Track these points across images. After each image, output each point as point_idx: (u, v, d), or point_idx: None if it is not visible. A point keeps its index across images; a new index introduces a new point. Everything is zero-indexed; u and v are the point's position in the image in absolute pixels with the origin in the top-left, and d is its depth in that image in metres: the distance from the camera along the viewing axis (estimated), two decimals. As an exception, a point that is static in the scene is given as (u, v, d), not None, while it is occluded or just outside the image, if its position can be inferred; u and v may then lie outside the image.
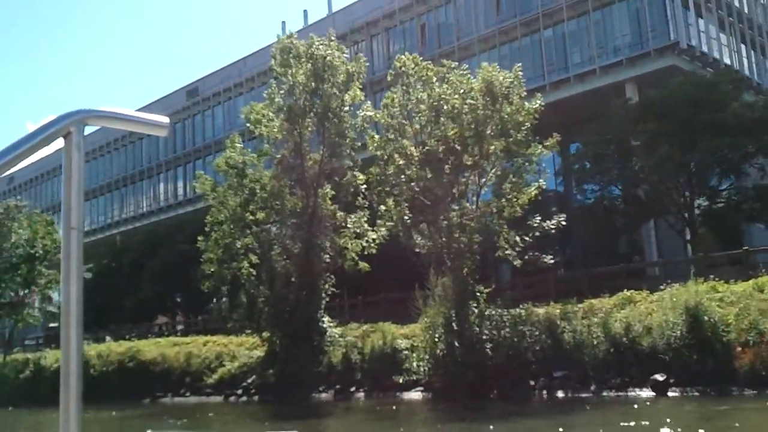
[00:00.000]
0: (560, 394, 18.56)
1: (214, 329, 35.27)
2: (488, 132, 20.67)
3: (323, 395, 23.55)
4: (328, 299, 26.51)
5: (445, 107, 20.75)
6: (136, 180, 63.87)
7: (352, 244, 26.48)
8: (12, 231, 39.81)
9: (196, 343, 31.45)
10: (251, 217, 27.79)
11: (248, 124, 27.60)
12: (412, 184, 21.95)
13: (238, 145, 28.19)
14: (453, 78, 21.04)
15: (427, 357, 20.23)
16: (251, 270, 28.22)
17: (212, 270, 28.07)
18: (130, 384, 30.40)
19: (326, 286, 26.56)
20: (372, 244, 26.92)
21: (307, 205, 27.04)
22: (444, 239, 21.30)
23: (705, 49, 36.68)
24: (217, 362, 28.81)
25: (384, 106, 22.24)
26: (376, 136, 22.77)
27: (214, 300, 42.21)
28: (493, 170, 21.63)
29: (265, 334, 26.77)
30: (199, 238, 28.46)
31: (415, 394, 20.76)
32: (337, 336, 25.96)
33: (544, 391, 18.66)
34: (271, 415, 20.73)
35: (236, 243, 28.06)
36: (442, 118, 20.84)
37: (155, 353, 31.22)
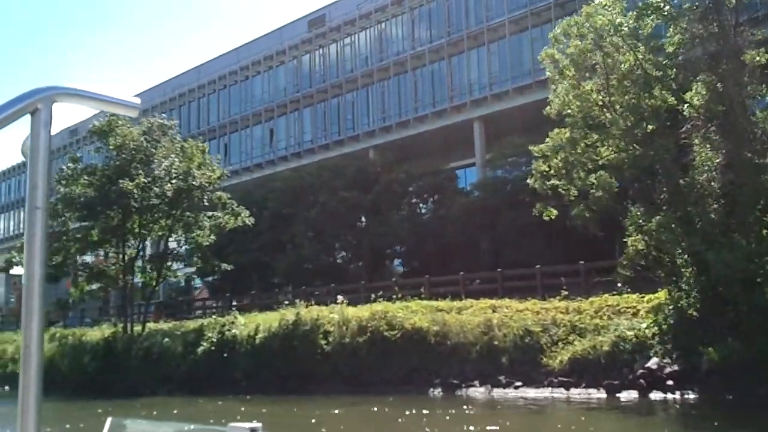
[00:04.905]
0: None
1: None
2: None
3: None
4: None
5: None
6: (249, 123, 53.77)
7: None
8: (156, 157, 29.56)
9: (479, 308, 21.53)
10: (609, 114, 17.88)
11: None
12: None
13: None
14: None
15: None
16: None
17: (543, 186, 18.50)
18: (391, 363, 20.65)
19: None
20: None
21: (727, 92, 17.06)
22: None
23: None
24: (547, 337, 18.95)
25: None
26: None
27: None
28: None
29: (677, 292, 16.84)
30: (553, 134, 18.59)
31: None
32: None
33: None
34: None
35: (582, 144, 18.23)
36: None
37: (426, 321, 21.27)
